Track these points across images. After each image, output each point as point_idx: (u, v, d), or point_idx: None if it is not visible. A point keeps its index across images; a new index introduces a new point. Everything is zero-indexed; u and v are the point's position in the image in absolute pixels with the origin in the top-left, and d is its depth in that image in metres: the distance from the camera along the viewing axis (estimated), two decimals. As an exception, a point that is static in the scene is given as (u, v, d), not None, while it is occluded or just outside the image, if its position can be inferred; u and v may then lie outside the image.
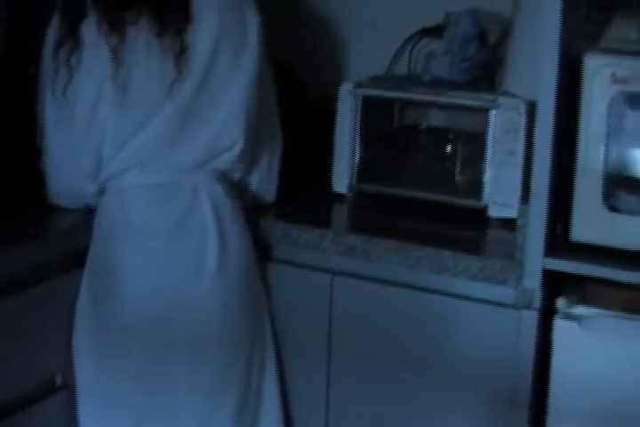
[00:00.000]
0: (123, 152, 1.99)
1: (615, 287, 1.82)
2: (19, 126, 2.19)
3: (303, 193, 2.31)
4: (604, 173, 1.83)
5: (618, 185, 1.85)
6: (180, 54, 1.96)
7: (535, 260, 1.85)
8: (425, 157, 2.35)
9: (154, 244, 1.97)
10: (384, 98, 2.30)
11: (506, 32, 2.28)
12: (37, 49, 2.06)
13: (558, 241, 1.89)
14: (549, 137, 1.82)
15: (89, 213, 2.04)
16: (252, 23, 2.05)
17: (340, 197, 2.30)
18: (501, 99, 2.11)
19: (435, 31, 2.46)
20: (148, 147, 1.99)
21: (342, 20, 2.66)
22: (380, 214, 2.23)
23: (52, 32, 2.03)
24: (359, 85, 2.27)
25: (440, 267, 1.94)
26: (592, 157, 1.83)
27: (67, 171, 2.05)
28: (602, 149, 1.82)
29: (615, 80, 1.80)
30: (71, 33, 1.99)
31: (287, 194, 2.21)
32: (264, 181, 2.17)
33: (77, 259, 2.00)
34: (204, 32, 1.99)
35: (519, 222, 1.89)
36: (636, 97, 1.81)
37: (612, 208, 1.83)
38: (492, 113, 2.12)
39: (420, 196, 2.23)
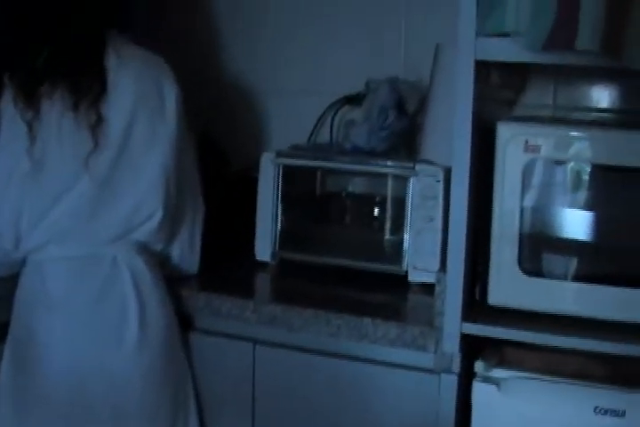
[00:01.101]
0: (40, 226, 1.98)
1: (533, 350, 1.84)
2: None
3: (226, 262, 2.32)
4: (519, 236, 1.85)
5: (538, 247, 1.87)
6: (96, 126, 1.96)
7: (453, 325, 1.85)
8: (347, 223, 2.36)
9: (74, 316, 1.96)
10: (305, 167, 2.32)
11: (424, 100, 2.32)
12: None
13: (476, 305, 1.91)
14: (465, 203, 1.84)
15: (12, 284, 2.02)
16: (170, 93, 2.06)
17: (262, 265, 2.31)
18: (419, 166, 2.15)
19: (356, 99, 2.49)
20: (65, 220, 1.98)
21: (263, 89, 2.69)
22: (302, 282, 2.24)
23: None
24: (280, 154, 2.29)
25: (360, 334, 1.95)
26: (507, 221, 1.85)
27: None
28: (517, 214, 1.84)
29: (528, 148, 1.83)
30: None
31: (210, 263, 2.21)
32: (186, 251, 2.16)
33: (-1, 331, 1.99)
34: (119, 103, 1.99)
35: (437, 289, 1.90)
36: (550, 163, 1.85)
37: (528, 272, 1.85)
38: (411, 180, 2.15)
39: (342, 262, 2.25)
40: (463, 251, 1.85)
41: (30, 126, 1.96)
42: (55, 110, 1.97)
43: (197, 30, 2.75)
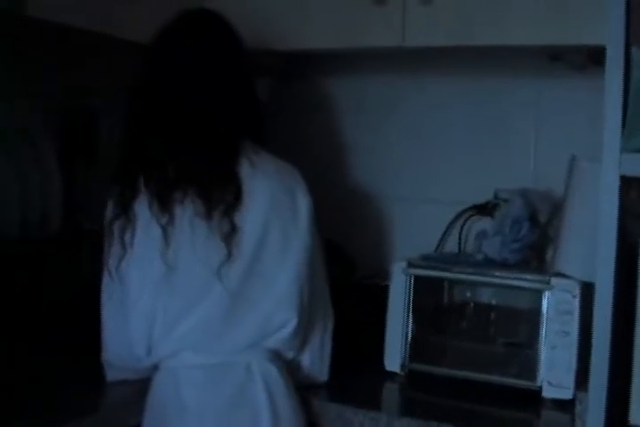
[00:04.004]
0: (174, 334, 1.98)
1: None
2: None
3: (354, 371, 2.29)
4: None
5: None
6: (230, 236, 1.96)
7: (594, 445, 1.80)
8: (475, 335, 2.33)
9: (207, 423, 1.94)
10: (437, 277, 2.30)
11: (556, 211, 2.30)
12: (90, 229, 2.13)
13: (616, 424, 1.85)
14: (609, 322, 1.79)
15: (142, 388, 2.02)
16: (303, 202, 2.05)
17: (391, 375, 2.28)
18: (555, 280, 2.12)
19: (484, 209, 2.49)
20: (199, 329, 1.98)
21: (386, 196, 2.71)
22: (431, 395, 2.21)
23: (109, 209, 2.05)
24: (412, 265, 2.28)
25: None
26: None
27: (118, 346, 2.05)
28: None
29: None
30: (124, 211, 2.02)
31: (338, 372, 2.18)
32: (316, 359, 2.13)
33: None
34: (253, 213, 1.99)
35: (577, 408, 1.86)
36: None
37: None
38: (546, 294, 2.12)
39: (472, 376, 2.21)
40: (607, 371, 1.79)
41: (165, 230, 1.98)
42: (187, 216, 1.98)
43: (321, 138, 2.80)
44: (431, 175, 2.67)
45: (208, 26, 2.10)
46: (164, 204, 1.99)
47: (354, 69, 2.73)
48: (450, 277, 2.29)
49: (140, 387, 2.03)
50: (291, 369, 2.08)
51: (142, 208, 2.01)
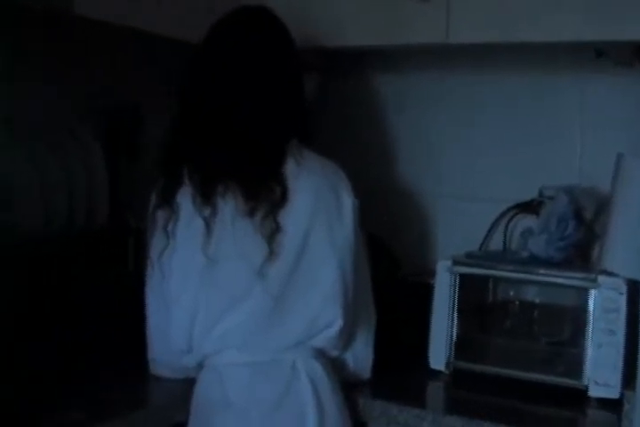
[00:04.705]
0: (216, 332, 1.98)
1: None
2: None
3: (398, 369, 2.29)
4: None
5: None
6: (273, 236, 1.95)
7: (643, 445, 1.79)
8: (519, 333, 2.32)
9: (252, 422, 1.94)
10: (482, 275, 2.29)
11: (601, 208, 2.29)
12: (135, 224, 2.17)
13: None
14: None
15: (187, 386, 2.03)
16: (347, 201, 2.04)
17: (436, 373, 2.28)
18: (601, 278, 2.10)
19: (529, 206, 2.48)
20: (242, 327, 1.97)
21: (430, 194, 2.71)
22: (477, 393, 2.19)
23: (153, 199, 2.07)
24: (457, 262, 2.27)
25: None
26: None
27: (162, 340, 2.06)
28: None
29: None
30: (168, 200, 2.02)
31: (383, 370, 2.17)
32: (360, 357, 2.13)
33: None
34: (298, 212, 1.98)
35: (625, 407, 1.85)
36: None
37: None
38: (592, 292, 2.11)
39: (518, 374, 2.20)
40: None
41: (207, 223, 1.98)
42: (228, 210, 1.98)
43: (365, 135, 2.80)
44: (475, 173, 2.65)
45: (260, 23, 2.10)
46: (206, 196, 1.99)
47: (397, 66, 2.72)
48: (496, 274, 2.28)
49: (186, 384, 2.04)
50: (335, 367, 2.07)
51: (185, 200, 2.01)
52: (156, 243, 2.04)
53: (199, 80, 2.06)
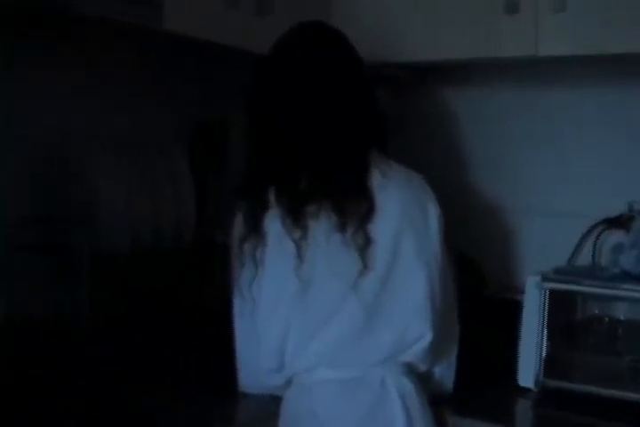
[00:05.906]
0: (309, 350, 1.96)
1: None
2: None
3: (487, 387, 2.25)
4: None
5: None
6: (365, 248, 1.94)
7: None
8: (609, 350, 2.27)
9: (340, 438, 1.93)
10: (571, 291, 2.26)
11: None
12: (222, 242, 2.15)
13: None
14: None
15: (274, 403, 2.01)
16: (433, 212, 2.03)
17: (524, 391, 2.24)
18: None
19: (618, 221, 2.44)
20: (334, 344, 1.96)
21: (516, 210, 2.67)
22: (565, 411, 2.15)
23: (237, 227, 2.05)
24: (545, 279, 2.24)
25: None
26: None
27: (252, 362, 2.05)
28: None
29: None
30: (255, 227, 2.00)
31: (471, 387, 2.15)
32: (444, 370, 2.10)
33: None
34: (386, 223, 1.97)
35: None
36: None
37: None
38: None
39: (608, 393, 2.15)
40: None
41: (298, 245, 1.97)
42: (322, 230, 1.97)
43: (442, 149, 2.78)
44: (559, 187, 2.61)
45: (325, 37, 2.09)
46: (297, 218, 1.97)
47: (472, 78, 2.70)
48: (586, 291, 2.24)
49: (274, 401, 2.02)
50: (422, 382, 2.04)
51: (273, 223, 1.99)
52: (244, 271, 2.02)
53: (270, 95, 2.05)
